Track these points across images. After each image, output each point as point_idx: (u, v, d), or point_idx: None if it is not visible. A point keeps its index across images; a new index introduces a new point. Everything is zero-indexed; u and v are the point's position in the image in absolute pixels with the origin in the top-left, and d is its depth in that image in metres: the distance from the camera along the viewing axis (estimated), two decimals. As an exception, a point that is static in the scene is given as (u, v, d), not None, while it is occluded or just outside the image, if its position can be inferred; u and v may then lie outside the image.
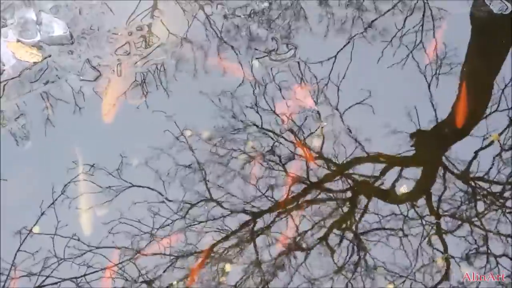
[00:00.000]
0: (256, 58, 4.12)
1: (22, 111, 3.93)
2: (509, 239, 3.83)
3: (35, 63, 4.02)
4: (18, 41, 4.03)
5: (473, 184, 3.92)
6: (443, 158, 3.99)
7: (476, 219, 3.86)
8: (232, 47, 4.12)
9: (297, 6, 4.21)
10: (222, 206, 3.84)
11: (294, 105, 4.04)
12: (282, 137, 3.97)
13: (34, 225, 3.74)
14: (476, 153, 3.97)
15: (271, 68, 4.09)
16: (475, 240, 3.83)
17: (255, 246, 3.79)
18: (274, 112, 4.01)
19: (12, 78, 3.98)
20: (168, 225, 3.80)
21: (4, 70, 3.98)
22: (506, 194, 3.92)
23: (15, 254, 3.67)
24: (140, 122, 3.97)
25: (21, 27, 4.03)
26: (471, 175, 3.94)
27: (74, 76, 4.02)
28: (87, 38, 4.11)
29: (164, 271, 3.74)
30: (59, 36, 4.06)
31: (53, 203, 3.76)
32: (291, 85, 4.08)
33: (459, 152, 3.99)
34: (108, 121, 3.93)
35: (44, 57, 4.04)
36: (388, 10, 4.20)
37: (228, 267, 3.76)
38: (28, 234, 3.72)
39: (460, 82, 4.10)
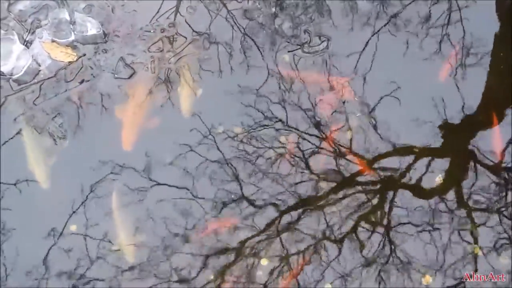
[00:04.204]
0: (288, 51, 4.11)
1: (58, 110, 4.00)
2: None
3: (70, 62, 4.07)
4: (53, 41, 4.09)
5: (504, 174, 3.84)
6: (473, 149, 3.91)
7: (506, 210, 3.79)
8: (255, 43, 4.13)
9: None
10: (252, 204, 3.85)
11: (328, 98, 4.02)
12: (308, 134, 3.96)
13: (66, 224, 3.80)
14: (507, 143, 3.92)
15: (303, 61, 4.09)
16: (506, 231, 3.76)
17: (281, 241, 3.79)
18: (300, 107, 4.01)
19: (48, 78, 4.04)
20: (199, 223, 3.82)
21: (40, 70, 4.05)
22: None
23: (47, 254, 3.74)
24: (168, 121, 4.00)
25: (55, 27, 4.08)
26: (502, 166, 3.86)
27: (109, 74, 4.08)
28: (120, 36, 4.15)
29: (199, 271, 3.77)
30: (93, 35, 4.10)
31: (83, 203, 3.81)
32: (321, 78, 4.06)
33: (489, 142, 3.93)
34: (127, 149, 3.95)
35: (79, 56, 4.10)
36: (413, 0, 4.15)
37: (264, 261, 3.76)
38: (61, 234, 3.78)
39: (488, 72, 4.04)
